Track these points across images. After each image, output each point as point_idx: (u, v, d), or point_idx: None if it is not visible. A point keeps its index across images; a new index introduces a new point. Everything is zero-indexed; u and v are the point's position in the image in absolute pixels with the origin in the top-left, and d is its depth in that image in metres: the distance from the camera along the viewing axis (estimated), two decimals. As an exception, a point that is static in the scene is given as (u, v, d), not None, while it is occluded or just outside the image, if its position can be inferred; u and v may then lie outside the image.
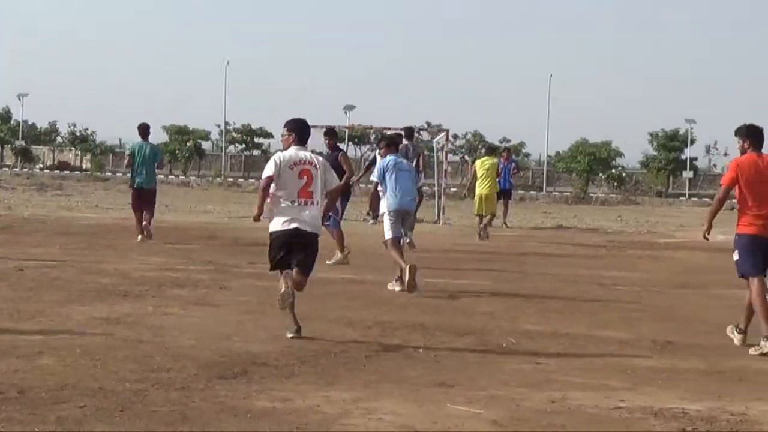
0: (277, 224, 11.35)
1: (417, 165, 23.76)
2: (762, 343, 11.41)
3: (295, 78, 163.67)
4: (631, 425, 7.82)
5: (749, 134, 13.12)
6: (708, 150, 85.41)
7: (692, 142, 77.35)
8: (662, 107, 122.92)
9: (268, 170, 11.37)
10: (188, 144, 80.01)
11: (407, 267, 14.68)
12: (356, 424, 7.54)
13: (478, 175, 27.36)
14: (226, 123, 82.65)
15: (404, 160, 17.11)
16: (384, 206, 15.96)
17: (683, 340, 11.83)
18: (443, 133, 37.27)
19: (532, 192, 68.01)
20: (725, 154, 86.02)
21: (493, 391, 8.75)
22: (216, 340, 10.65)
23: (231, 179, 68.99)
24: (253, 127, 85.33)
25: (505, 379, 9.30)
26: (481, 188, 27.13)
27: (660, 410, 8.24)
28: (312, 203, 11.38)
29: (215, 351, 10.08)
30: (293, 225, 11.22)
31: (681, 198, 67.59)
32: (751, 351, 11.55)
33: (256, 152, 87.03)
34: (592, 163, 72.59)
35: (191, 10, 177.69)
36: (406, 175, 16.12)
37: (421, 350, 10.59)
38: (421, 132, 51.91)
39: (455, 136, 78.89)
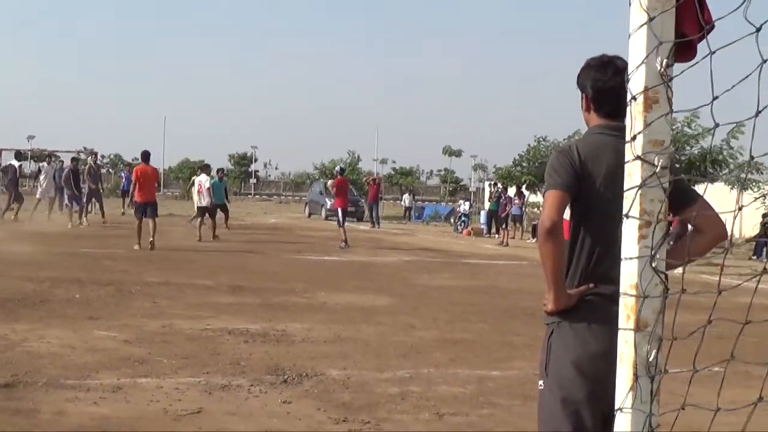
0: None
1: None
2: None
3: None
4: (215, 339, 7.95)
5: (144, 155, 15.02)
6: (266, 165, 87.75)
7: (256, 160, 78.75)
8: (237, 136, 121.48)
9: None
10: None
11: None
12: (33, 345, 7.23)
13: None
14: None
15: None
16: None
17: (248, 285, 12.04)
18: (93, 155, 37.25)
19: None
20: (276, 168, 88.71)
21: (125, 321, 8.61)
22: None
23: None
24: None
25: (133, 313, 9.16)
26: None
27: (233, 330, 8.42)
28: None
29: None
30: None
31: (248, 196, 68.64)
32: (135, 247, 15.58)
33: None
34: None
35: None
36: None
37: (78, 296, 10.20)
38: (80, 153, 49.90)
39: (102, 156, 75.59)
